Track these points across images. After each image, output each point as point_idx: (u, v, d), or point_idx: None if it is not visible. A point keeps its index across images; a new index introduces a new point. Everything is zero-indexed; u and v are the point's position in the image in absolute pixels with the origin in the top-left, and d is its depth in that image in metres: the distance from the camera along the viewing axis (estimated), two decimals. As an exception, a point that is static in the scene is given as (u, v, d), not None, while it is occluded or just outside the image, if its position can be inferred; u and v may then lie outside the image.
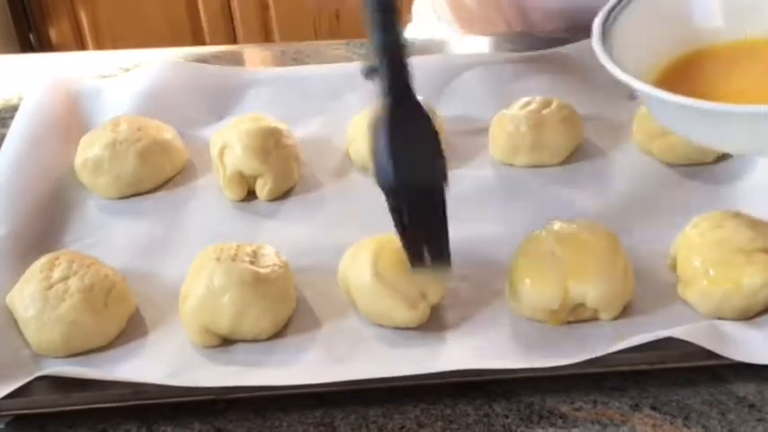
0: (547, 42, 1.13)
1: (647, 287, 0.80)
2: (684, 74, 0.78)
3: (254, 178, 0.93)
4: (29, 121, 1.02)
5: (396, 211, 0.75)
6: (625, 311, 0.78)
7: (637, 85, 0.71)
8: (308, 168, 0.98)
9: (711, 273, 0.77)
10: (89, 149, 0.96)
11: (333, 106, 1.05)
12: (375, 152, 0.75)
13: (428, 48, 1.17)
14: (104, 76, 1.13)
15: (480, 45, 1.19)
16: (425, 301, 0.78)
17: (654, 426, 0.71)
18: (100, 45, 2.33)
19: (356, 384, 0.73)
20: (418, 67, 1.07)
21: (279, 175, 0.93)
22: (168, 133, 0.99)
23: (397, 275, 0.77)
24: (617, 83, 1.06)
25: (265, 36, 2.31)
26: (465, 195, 0.93)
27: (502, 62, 1.09)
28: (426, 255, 0.76)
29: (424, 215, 0.75)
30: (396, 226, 0.76)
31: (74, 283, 0.79)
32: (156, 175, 0.97)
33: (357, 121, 0.98)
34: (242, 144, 0.93)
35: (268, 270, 0.79)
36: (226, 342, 0.78)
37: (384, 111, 0.75)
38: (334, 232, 0.89)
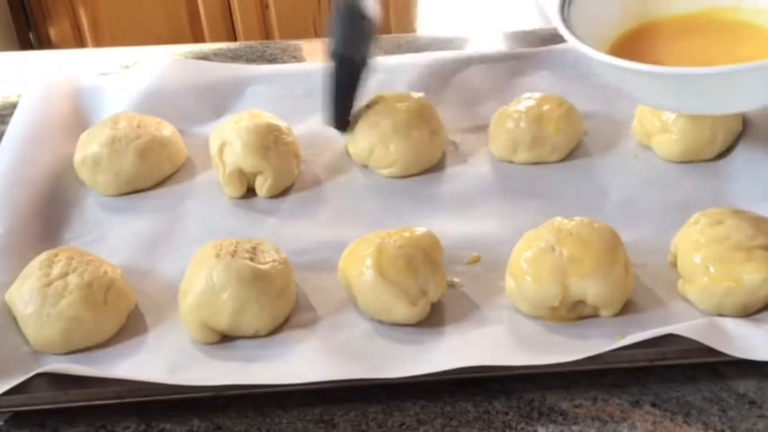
0: (547, 39, 1.13)
1: (647, 284, 0.80)
2: (638, 43, 0.85)
3: (254, 175, 0.93)
4: (28, 119, 1.02)
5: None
6: (625, 308, 0.78)
7: (591, 53, 0.78)
8: (307, 165, 0.98)
9: (712, 270, 0.77)
10: (88, 146, 0.96)
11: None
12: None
13: (429, 45, 1.17)
14: (104, 74, 1.13)
15: (480, 42, 1.19)
16: (426, 298, 0.78)
17: (654, 422, 0.71)
18: (99, 44, 2.32)
19: (356, 382, 0.73)
20: (419, 64, 1.08)
21: (278, 173, 0.93)
22: (168, 130, 0.99)
23: (398, 272, 0.77)
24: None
25: (265, 35, 2.31)
26: (465, 192, 0.93)
27: (502, 59, 1.09)
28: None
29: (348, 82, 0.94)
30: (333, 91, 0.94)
31: (73, 279, 0.79)
32: (156, 173, 0.96)
33: (355, 119, 0.98)
34: (242, 141, 0.92)
35: (268, 266, 0.79)
36: (225, 338, 0.78)
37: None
38: (333, 229, 0.89)
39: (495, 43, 1.18)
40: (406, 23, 2.11)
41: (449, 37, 1.20)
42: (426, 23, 1.61)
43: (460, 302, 0.80)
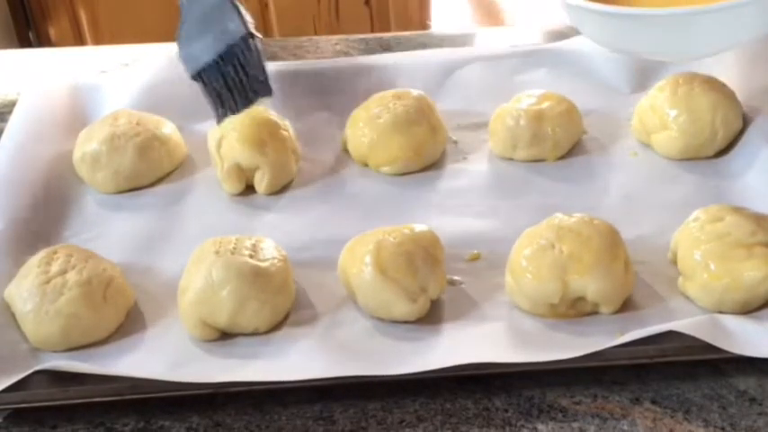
0: (547, 37, 1.13)
1: (647, 281, 0.80)
2: None
3: (253, 171, 0.93)
4: (27, 117, 1.01)
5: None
6: (625, 305, 0.78)
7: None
8: (306, 163, 0.97)
9: (712, 267, 0.77)
10: (87, 144, 0.96)
11: (331, 101, 1.05)
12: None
13: (428, 42, 1.17)
14: (103, 72, 1.13)
15: (480, 40, 1.19)
16: (425, 295, 0.78)
17: (654, 419, 0.71)
18: (99, 42, 2.32)
19: (355, 379, 0.73)
20: (419, 61, 1.08)
21: (277, 169, 0.93)
22: (167, 127, 0.99)
23: (398, 269, 0.77)
24: (617, 78, 1.06)
25: (265, 33, 2.31)
26: (465, 189, 0.93)
27: (502, 57, 1.09)
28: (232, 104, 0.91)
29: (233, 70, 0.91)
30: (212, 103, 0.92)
31: (72, 277, 0.79)
32: (155, 170, 0.96)
33: (355, 116, 0.98)
34: (237, 134, 0.93)
35: (267, 263, 0.79)
36: (225, 336, 0.78)
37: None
38: (332, 226, 0.89)
39: (497, 40, 1.18)
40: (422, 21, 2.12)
41: (459, 34, 1.20)
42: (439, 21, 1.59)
43: (460, 300, 0.80)
